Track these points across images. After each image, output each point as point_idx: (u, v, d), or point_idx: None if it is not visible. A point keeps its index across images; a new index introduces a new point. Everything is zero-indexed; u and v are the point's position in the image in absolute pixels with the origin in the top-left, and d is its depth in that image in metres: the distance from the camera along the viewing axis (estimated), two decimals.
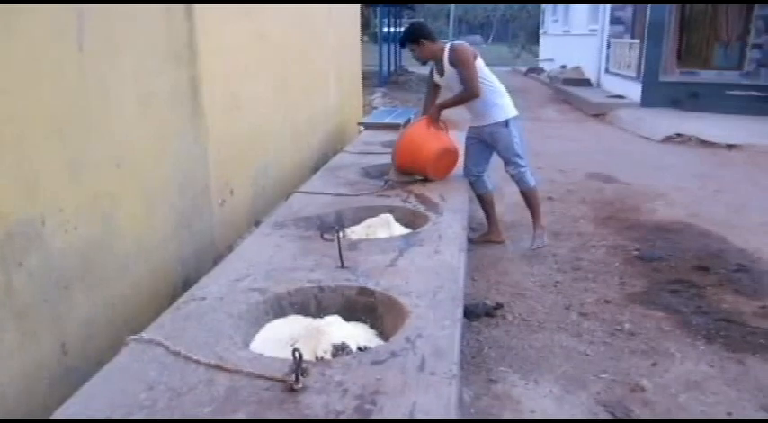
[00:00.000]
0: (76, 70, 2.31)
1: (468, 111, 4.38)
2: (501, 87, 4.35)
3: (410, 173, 4.15)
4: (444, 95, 4.45)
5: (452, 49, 4.20)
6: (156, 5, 2.89)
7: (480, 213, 4.73)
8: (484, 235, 4.65)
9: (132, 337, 1.96)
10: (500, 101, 4.30)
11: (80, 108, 2.34)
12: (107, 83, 2.51)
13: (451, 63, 4.19)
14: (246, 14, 4.01)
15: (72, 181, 2.29)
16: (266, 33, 4.40)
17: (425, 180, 4.12)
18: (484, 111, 4.28)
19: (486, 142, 4.40)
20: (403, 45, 4.46)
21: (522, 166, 4.36)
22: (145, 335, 1.96)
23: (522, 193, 4.46)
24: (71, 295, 2.27)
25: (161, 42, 2.97)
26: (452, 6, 42.99)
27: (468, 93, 4.14)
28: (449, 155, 4.20)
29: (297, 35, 5.28)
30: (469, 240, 3.79)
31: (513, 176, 4.42)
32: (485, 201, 4.57)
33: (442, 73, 4.31)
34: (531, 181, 4.42)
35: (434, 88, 4.49)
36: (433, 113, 4.26)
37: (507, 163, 4.38)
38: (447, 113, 4.33)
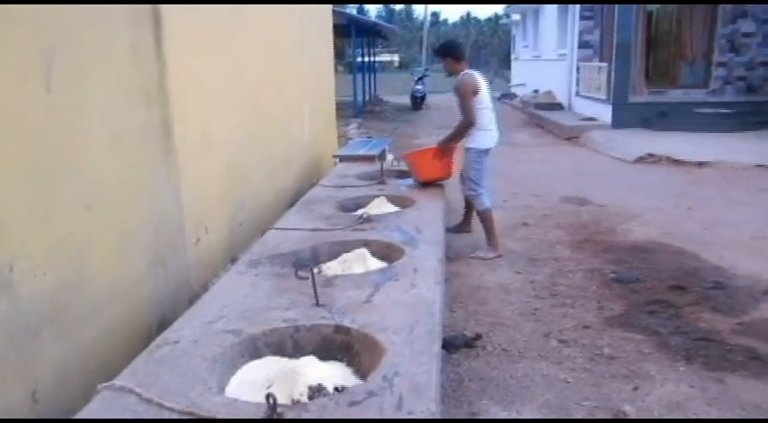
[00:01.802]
0: (45, 112, 2.30)
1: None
2: (489, 120, 4.96)
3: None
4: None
5: (461, 80, 4.88)
6: (125, 44, 2.89)
7: (457, 243, 4.99)
8: (458, 225, 5.46)
9: (104, 384, 1.91)
10: (476, 132, 4.89)
11: (49, 150, 2.32)
12: (76, 124, 2.49)
13: (455, 91, 4.95)
14: (218, 50, 4.02)
15: (41, 224, 2.26)
16: (238, 68, 4.42)
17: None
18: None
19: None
20: (437, 54, 5.34)
21: (475, 191, 4.99)
22: (117, 382, 1.92)
23: (476, 213, 5.10)
24: (41, 341, 2.23)
25: (131, 82, 2.97)
26: (425, 34, 43.59)
27: (464, 120, 4.81)
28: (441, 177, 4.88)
29: (269, 69, 5.31)
30: (447, 229, 4.53)
31: (466, 196, 5.22)
32: (481, 217, 5.07)
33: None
34: (485, 204, 4.98)
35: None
36: (442, 145, 4.90)
37: (463, 182, 5.17)
38: None
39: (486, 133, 4.94)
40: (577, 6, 14.94)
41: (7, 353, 2.05)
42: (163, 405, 1.79)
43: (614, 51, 12.31)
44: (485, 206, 4.97)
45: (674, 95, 13.24)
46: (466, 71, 4.96)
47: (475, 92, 4.80)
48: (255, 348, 2.27)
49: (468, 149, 4.95)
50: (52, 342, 2.28)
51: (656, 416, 2.68)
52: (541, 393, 2.87)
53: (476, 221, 5.25)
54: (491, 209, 4.99)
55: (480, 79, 4.96)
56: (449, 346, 3.25)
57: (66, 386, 2.33)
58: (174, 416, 1.74)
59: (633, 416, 2.68)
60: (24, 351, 2.14)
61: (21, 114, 2.17)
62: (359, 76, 18.03)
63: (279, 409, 1.68)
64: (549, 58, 18.30)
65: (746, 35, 13.03)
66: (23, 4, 2.16)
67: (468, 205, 5.36)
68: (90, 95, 2.59)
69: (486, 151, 4.97)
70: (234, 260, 3.86)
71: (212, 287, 2.90)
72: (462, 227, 5.48)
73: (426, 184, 4.79)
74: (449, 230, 5.06)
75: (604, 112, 12.68)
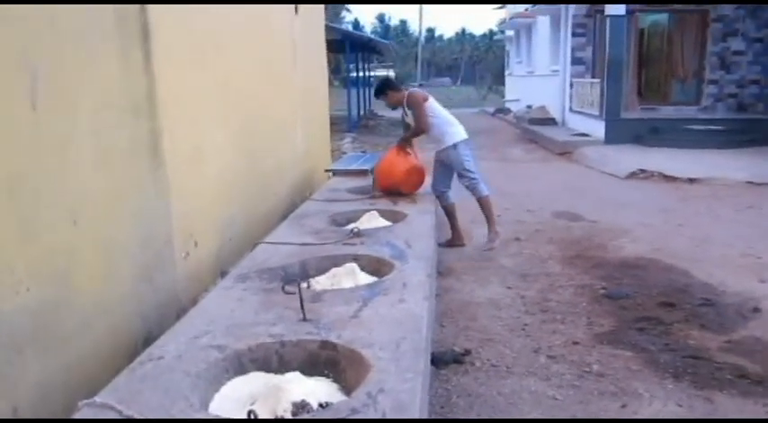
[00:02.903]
0: (30, 129, 2.29)
1: (429, 140, 5.50)
2: (451, 118, 5.45)
3: (390, 191, 5.04)
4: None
5: (408, 96, 5.39)
6: (113, 57, 2.89)
7: (448, 257, 5.02)
8: (449, 241, 5.55)
9: (84, 401, 1.89)
10: (449, 129, 5.36)
11: (34, 166, 2.30)
12: (63, 139, 2.48)
13: (408, 106, 5.38)
14: (208, 63, 4.03)
15: (25, 240, 2.24)
16: (228, 82, 4.42)
17: (401, 194, 5.01)
18: (439, 138, 5.38)
19: (445, 163, 5.42)
20: (377, 96, 5.66)
21: (473, 178, 5.36)
22: (98, 399, 1.90)
23: (478, 200, 5.41)
24: (23, 359, 2.20)
25: (119, 95, 2.96)
26: (420, 50, 43.90)
27: (418, 128, 5.35)
28: (416, 171, 5.22)
29: (260, 82, 5.31)
30: (439, 245, 4.93)
31: (467, 187, 5.42)
32: (449, 211, 5.54)
33: (405, 114, 5.51)
34: (484, 190, 5.38)
35: (407, 126, 5.56)
36: (400, 143, 5.39)
37: (460, 176, 5.41)
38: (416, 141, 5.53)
39: (455, 128, 5.39)
40: (570, 23, 15.07)
41: None
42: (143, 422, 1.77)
43: (606, 68, 12.42)
44: (484, 193, 5.37)
45: (666, 112, 13.36)
46: (409, 90, 5.52)
47: (425, 99, 5.33)
48: (240, 364, 2.25)
49: (453, 146, 5.32)
50: (35, 359, 2.26)
51: None
52: (529, 410, 2.85)
53: (465, 229, 5.59)
54: (489, 196, 5.40)
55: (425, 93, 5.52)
56: (438, 361, 3.24)
57: (48, 403, 2.30)
58: None
59: None
60: (6, 369, 2.11)
61: (6, 131, 2.17)
62: (353, 91, 18.11)
63: None
64: (543, 73, 18.44)
65: (737, 53, 13.19)
66: (24, 4, 2.17)
67: (452, 216, 5.57)
68: (77, 110, 2.58)
69: (466, 141, 5.40)
70: (223, 274, 3.85)
71: (199, 302, 2.89)
72: (454, 241, 5.57)
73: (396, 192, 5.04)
74: (441, 246, 5.25)
75: (597, 128, 12.76)
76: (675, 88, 14.22)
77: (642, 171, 9.33)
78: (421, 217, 4.33)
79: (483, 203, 5.40)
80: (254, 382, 2.17)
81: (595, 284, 4.59)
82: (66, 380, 2.43)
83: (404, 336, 2.35)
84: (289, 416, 1.88)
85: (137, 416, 1.79)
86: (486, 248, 5.37)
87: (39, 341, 2.29)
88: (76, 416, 1.84)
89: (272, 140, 5.66)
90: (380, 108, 23.13)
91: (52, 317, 2.37)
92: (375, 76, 25.24)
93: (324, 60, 8.50)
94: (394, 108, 5.65)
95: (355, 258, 3.35)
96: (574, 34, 14.99)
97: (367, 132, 16.34)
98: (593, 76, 14.29)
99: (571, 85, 15.36)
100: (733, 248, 5.45)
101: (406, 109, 5.43)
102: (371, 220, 4.22)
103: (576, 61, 15.12)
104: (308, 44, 7.19)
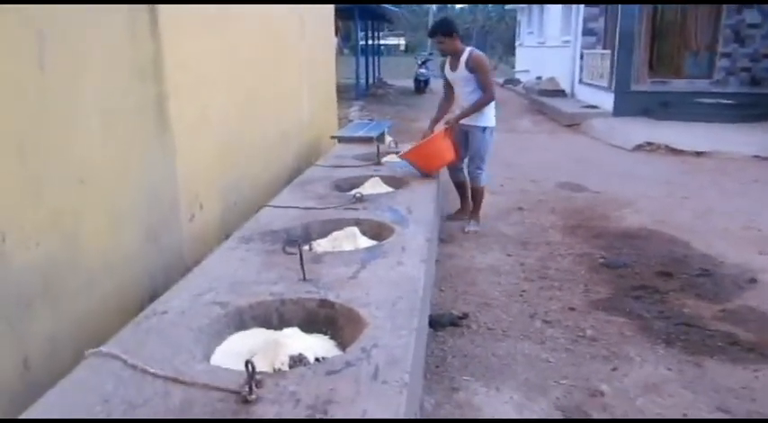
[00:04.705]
0: (38, 89, 2.34)
1: (458, 108, 5.08)
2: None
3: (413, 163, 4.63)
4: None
5: (473, 56, 4.86)
6: (121, 22, 2.93)
7: (451, 224, 5.17)
8: (457, 212, 5.46)
9: (91, 350, 1.98)
10: (488, 111, 4.97)
11: (41, 125, 2.36)
12: (70, 100, 2.54)
13: (468, 66, 4.83)
14: (215, 28, 4.05)
15: (33, 198, 2.31)
16: (236, 47, 4.44)
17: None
18: (476, 113, 4.91)
19: (466, 138, 5.08)
20: (433, 35, 5.03)
21: (481, 169, 5.09)
22: (103, 349, 1.99)
23: (473, 188, 5.23)
24: (33, 312, 2.29)
25: (125, 59, 3.00)
26: (431, 19, 43.34)
27: (487, 96, 4.85)
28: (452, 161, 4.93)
29: (268, 49, 5.32)
30: (447, 217, 5.27)
31: (470, 173, 5.17)
32: (462, 185, 5.37)
33: (454, 68, 4.95)
34: (483, 181, 5.16)
35: (450, 89, 5.15)
36: (452, 123, 4.89)
37: (472, 161, 5.11)
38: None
39: (493, 111, 5.06)
40: None
41: None
42: (147, 371, 1.85)
43: (618, 39, 12.28)
44: (485, 183, 5.19)
45: (677, 85, 13.21)
46: (471, 47, 4.98)
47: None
48: (241, 320, 2.34)
49: (484, 129, 5.00)
50: (43, 312, 2.34)
51: (631, 397, 2.75)
52: (522, 372, 2.94)
53: None
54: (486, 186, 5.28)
55: None
56: (435, 323, 3.32)
57: (58, 355, 2.39)
58: (158, 382, 1.81)
59: (609, 396, 2.75)
60: (16, 320, 2.20)
61: (14, 91, 2.22)
62: (362, 60, 18.00)
63: (258, 376, 1.74)
64: (554, 44, 18.24)
65: (752, 26, 12.97)
66: (23, 3, 2.21)
67: (463, 189, 5.40)
68: (84, 72, 2.63)
69: (495, 129, 5.10)
70: (228, 237, 3.92)
71: (203, 262, 2.97)
72: (463, 214, 5.43)
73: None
74: (449, 218, 5.40)
75: (606, 100, 12.67)
76: (688, 61, 14.02)
77: (649, 144, 9.30)
78: (423, 184, 4.37)
79: (478, 192, 5.21)
80: (255, 337, 2.25)
81: (595, 253, 4.64)
82: (75, 334, 2.52)
83: (400, 296, 2.42)
84: (286, 369, 1.97)
85: (141, 365, 1.88)
86: (466, 230, 5.16)
87: (48, 296, 2.37)
88: (83, 364, 1.93)
89: (277, 107, 5.69)
90: (390, 77, 23.02)
91: (61, 273, 2.45)
92: (385, 45, 25.00)
93: (331, 29, 8.46)
94: (443, 55, 5.13)
95: (357, 222, 3.41)
96: (586, 4, 14.80)
97: (375, 101, 16.27)
98: (603, 48, 14.14)
99: (581, 57, 15.22)
100: (735, 221, 5.47)
101: (460, 65, 4.87)
102: (374, 186, 4.27)
103: (587, 32, 14.95)
104: (315, 12, 7.16)
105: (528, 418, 2.34)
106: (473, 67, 4.84)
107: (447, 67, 5.06)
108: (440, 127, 4.96)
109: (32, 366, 2.26)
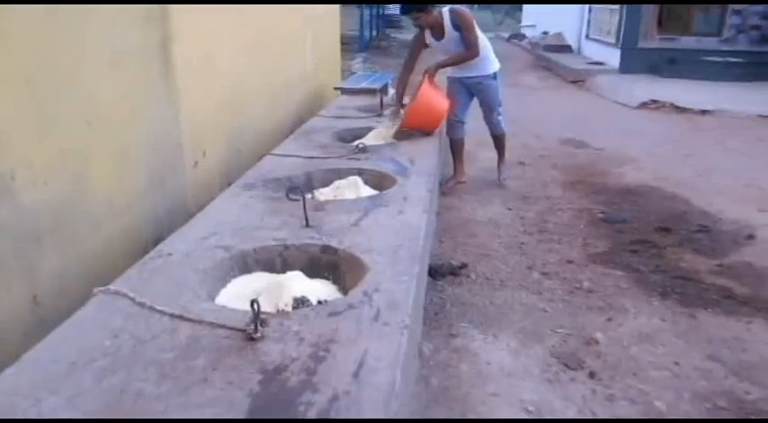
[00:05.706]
0: (46, 27, 2.33)
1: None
2: (488, 44, 4.84)
3: (410, 130, 4.27)
4: (435, 58, 4.71)
5: (455, 13, 4.55)
6: None
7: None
8: (451, 179, 5.14)
9: (99, 288, 2.03)
10: (490, 55, 4.83)
11: (50, 64, 2.36)
12: (77, 40, 2.53)
13: (455, 26, 4.55)
14: None
15: (42, 137, 2.32)
16: None
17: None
18: (475, 63, 4.73)
19: (471, 92, 4.93)
20: (407, 12, 4.64)
21: (501, 115, 5.00)
22: (112, 287, 2.04)
23: (495, 137, 5.15)
24: (42, 249, 2.33)
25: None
26: None
27: (471, 53, 4.61)
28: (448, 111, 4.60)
29: None
30: (442, 193, 4.77)
31: (491, 123, 5.04)
32: (457, 146, 5.10)
33: (440, 37, 4.65)
34: (505, 128, 5.09)
35: (417, 53, 4.84)
36: (432, 71, 4.52)
37: (491, 111, 4.97)
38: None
39: (493, 56, 4.89)
40: None
41: (9, 257, 2.15)
42: (154, 308, 1.90)
43: None
44: (505, 130, 5.15)
45: (686, 42, 13.00)
46: (449, 6, 4.63)
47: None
48: (245, 264, 2.38)
49: (494, 76, 4.86)
50: (52, 250, 2.39)
51: (625, 345, 2.82)
52: (518, 320, 3.00)
53: (469, 151, 5.38)
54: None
55: None
56: (434, 273, 3.37)
57: (66, 292, 2.44)
58: (165, 319, 1.86)
59: (604, 344, 2.81)
60: (25, 256, 2.24)
61: (23, 28, 2.22)
62: (366, 11, 17.71)
63: (262, 316, 1.79)
64: None
65: None
66: (24, 3, 2.18)
67: (459, 152, 5.10)
68: (90, 12, 2.62)
69: (500, 71, 4.95)
70: (231, 184, 3.95)
71: (207, 207, 3.00)
72: (456, 178, 5.15)
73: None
74: (442, 185, 4.87)
75: (613, 57, 12.51)
76: (698, 18, 13.77)
77: (654, 101, 9.23)
78: (426, 139, 4.36)
79: (502, 140, 5.16)
80: (259, 279, 2.29)
81: (594, 209, 4.67)
82: (83, 272, 2.57)
83: (401, 243, 2.45)
84: (289, 310, 2.02)
85: (148, 303, 1.93)
86: (503, 178, 5.23)
87: (56, 234, 2.41)
88: (91, 302, 1.98)
89: (281, 55, 5.64)
90: (394, 30, 22.68)
91: (68, 212, 2.48)
92: None
93: None
94: (422, 29, 4.72)
95: (359, 172, 3.43)
96: None
97: (378, 53, 16.08)
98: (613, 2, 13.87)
99: (590, 11, 14.94)
100: (737, 179, 5.49)
101: (446, 29, 4.57)
102: (377, 137, 4.27)
103: None
104: None
105: (534, 419, 2.33)
106: (459, 23, 4.54)
107: (430, 38, 4.71)
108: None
109: (42, 302, 2.32)
